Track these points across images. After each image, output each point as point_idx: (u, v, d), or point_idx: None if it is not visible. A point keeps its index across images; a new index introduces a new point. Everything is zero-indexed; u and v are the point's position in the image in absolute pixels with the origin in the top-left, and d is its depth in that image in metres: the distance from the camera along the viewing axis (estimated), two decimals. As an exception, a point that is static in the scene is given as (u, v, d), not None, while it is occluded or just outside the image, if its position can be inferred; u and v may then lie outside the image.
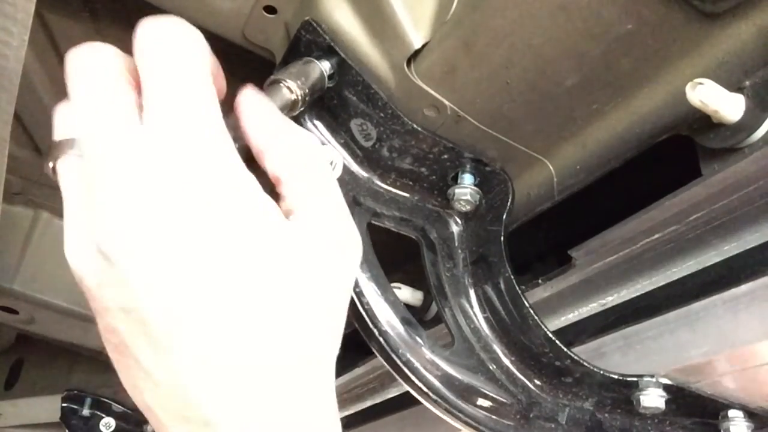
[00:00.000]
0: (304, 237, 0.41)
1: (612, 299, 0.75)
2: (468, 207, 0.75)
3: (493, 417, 0.72)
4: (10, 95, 0.66)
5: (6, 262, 1.25)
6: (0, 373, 1.74)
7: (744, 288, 0.63)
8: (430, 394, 0.69)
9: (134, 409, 1.40)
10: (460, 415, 0.69)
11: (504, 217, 0.75)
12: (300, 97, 0.63)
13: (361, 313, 0.69)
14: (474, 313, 0.78)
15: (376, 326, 0.69)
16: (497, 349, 0.76)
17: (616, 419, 0.72)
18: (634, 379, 0.69)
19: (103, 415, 1.65)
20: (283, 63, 0.70)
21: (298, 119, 0.73)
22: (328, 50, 0.67)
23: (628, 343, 0.73)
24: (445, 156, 0.73)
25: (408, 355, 0.69)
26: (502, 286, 0.75)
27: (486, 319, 0.77)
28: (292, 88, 0.63)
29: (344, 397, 1.19)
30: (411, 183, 0.78)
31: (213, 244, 0.36)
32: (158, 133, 0.37)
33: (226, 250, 0.36)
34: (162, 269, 0.35)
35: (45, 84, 0.94)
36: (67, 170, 0.40)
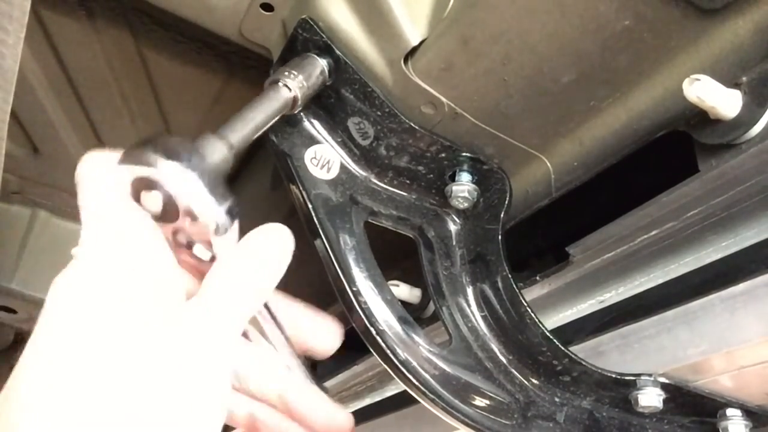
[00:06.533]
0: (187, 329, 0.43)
1: (610, 296, 0.75)
2: (466, 204, 0.75)
3: (491, 416, 0.71)
4: (6, 93, 0.66)
5: (4, 261, 1.25)
6: (-1, 373, 1.74)
7: (742, 287, 0.63)
8: (428, 393, 0.69)
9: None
10: (458, 414, 0.69)
11: (501, 215, 0.75)
12: (300, 96, 0.63)
13: (358, 312, 0.69)
14: (471, 311, 0.78)
15: (373, 325, 0.69)
16: (495, 347, 0.76)
17: (614, 418, 0.72)
18: (632, 377, 0.68)
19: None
20: (281, 61, 0.70)
21: (295, 117, 0.73)
22: (325, 48, 0.67)
23: (626, 341, 0.73)
24: (443, 154, 0.73)
25: (405, 354, 0.69)
26: (500, 284, 0.75)
27: (483, 317, 0.77)
28: (291, 88, 0.63)
29: (342, 395, 1.19)
30: (408, 181, 0.78)
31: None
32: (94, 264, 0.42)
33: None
34: None
35: (42, 82, 0.94)
36: None
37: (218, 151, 0.52)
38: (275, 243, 0.48)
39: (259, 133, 0.59)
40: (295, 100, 0.63)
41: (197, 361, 0.42)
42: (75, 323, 0.40)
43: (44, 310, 0.41)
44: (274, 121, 0.61)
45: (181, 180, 0.44)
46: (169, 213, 0.44)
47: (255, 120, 0.58)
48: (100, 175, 0.45)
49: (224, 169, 0.52)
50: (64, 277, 0.42)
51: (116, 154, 0.45)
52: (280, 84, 0.63)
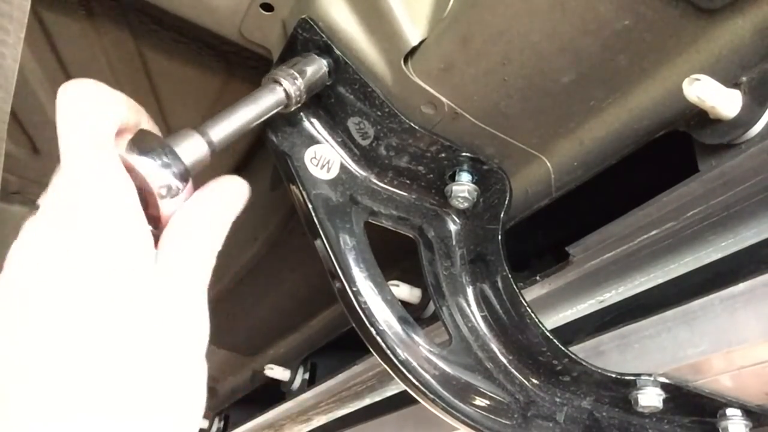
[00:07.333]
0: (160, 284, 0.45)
1: (610, 296, 0.75)
2: (466, 204, 0.75)
3: (491, 416, 0.71)
4: (6, 93, 0.66)
5: (4, 261, 1.25)
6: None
7: (742, 286, 0.63)
8: (428, 393, 0.69)
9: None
10: (458, 414, 0.69)
11: (501, 215, 0.75)
12: (295, 97, 0.63)
13: (358, 312, 0.69)
14: (471, 311, 0.78)
15: (373, 325, 0.69)
16: (495, 347, 0.76)
17: (613, 418, 0.72)
18: (632, 377, 0.68)
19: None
20: (281, 61, 0.70)
21: (295, 117, 0.73)
22: (324, 48, 0.67)
23: (626, 341, 0.73)
24: (443, 154, 0.73)
25: (405, 354, 0.69)
26: (500, 284, 0.75)
27: (483, 317, 0.77)
28: (285, 86, 0.63)
29: (343, 394, 1.19)
30: (408, 181, 0.78)
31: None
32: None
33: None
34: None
35: (42, 83, 0.94)
36: None
37: (194, 146, 0.53)
38: (224, 194, 0.52)
39: (248, 128, 0.59)
40: (288, 98, 0.63)
41: (178, 327, 0.44)
42: (38, 288, 0.40)
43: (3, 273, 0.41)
44: (265, 118, 0.61)
45: (152, 174, 0.48)
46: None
47: (242, 117, 0.59)
48: (85, 114, 0.46)
49: (201, 164, 0.53)
50: (26, 233, 0.42)
51: (104, 87, 0.47)
52: (275, 82, 0.63)
